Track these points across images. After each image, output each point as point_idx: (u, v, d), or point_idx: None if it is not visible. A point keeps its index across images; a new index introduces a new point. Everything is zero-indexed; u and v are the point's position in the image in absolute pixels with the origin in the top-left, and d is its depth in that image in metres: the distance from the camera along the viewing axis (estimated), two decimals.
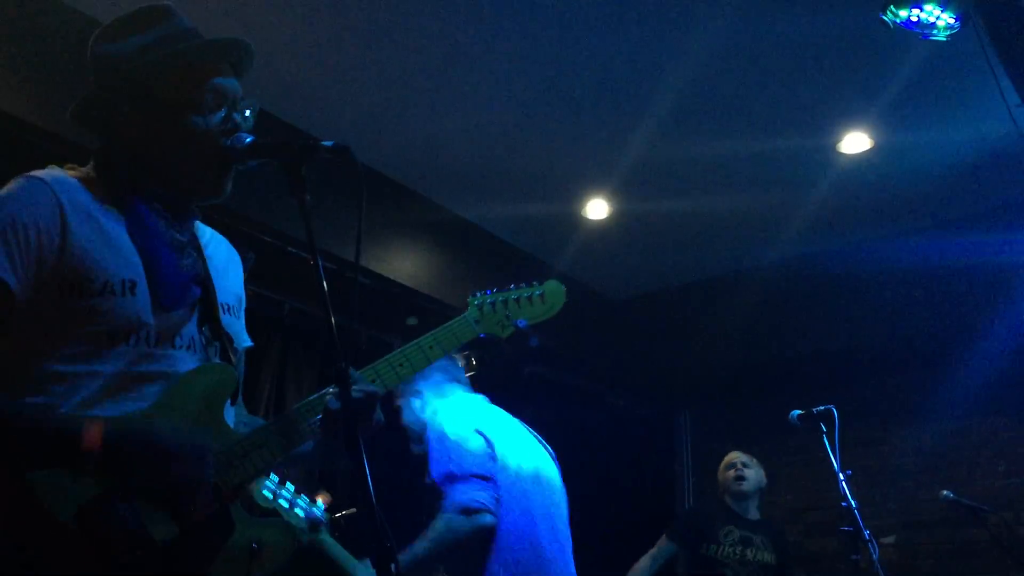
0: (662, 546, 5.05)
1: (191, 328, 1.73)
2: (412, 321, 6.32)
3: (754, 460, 5.18)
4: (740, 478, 5.05)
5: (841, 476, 3.74)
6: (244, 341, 1.95)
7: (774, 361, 7.02)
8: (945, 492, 4.90)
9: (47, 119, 3.85)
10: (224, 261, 1.97)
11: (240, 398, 1.97)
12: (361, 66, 4.52)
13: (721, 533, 4.95)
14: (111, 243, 1.65)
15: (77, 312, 1.58)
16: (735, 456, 5.20)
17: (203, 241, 1.91)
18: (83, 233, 1.63)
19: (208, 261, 1.86)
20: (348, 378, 1.52)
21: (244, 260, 5.14)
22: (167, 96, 1.77)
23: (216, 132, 1.77)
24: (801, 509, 6.93)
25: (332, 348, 1.52)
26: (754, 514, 5.09)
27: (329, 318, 1.52)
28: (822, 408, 3.98)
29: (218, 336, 1.80)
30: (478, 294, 2.07)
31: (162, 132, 1.77)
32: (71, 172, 1.75)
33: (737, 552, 4.86)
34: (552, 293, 2.15)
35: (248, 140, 1.76)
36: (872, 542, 3.72)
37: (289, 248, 4.89)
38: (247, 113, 1.82)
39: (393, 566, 1.41)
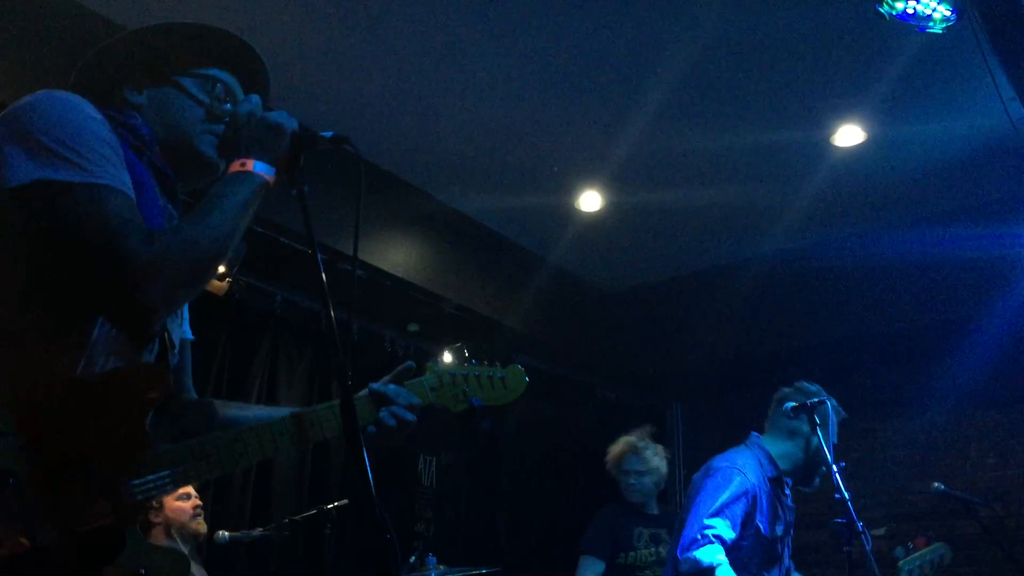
0: (592, 563, 4.85)
1: None
2: (413, 327, 6.33)
3: (648, 454, 4.99)
4: (631, 488, 4.93)
5: (834, 468, 3.73)
6: (185, 333, 1.90)
7: (766, 353, 7.03)
8: (936, 484, 4.87)
9: None
10: None
11: (189, 385, 1.91)
12: (355, 57, 4.49)
13: (634, 537, 4.84)
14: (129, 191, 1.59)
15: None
16: (626, 453, 4.99)
17: None
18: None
19: None
20: (347, 372, 1.48)
21: (236, 250, 5.11)
22: (181, 65, 1.80)
23: (219, 119, 1.80)
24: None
25: (331, 340, 1.49)
26: (654, 509, 5.00)
27: (328, 309, 1.49)
28: (815, 400, 3.96)
29: (159, 333, 1.72)
30: (439, 361, 2.01)
31: (171, 99, 1.78)
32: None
33: (652, 552, 4.76)
34: (514, 379, 2.08)
35: None
36: (865, 534, 3.72)
37: (282, 239, 4.86)
38: None
39: (389, 557, 1.39)
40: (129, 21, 4.13)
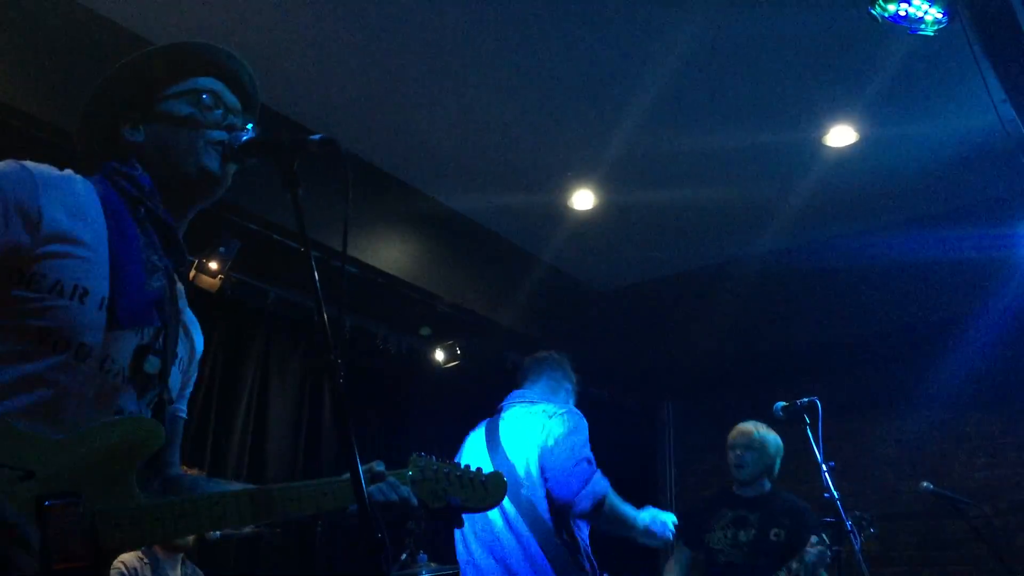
0: (678, 551, 4.68)
1: (130, 358, 1.66)
2: (426, 331, 6.34)
3: (759, 434, 4.66)
4: (738, 466, 4.63)
5: (824, 468, 3.75)
6: (180, 410, 1.90)
7: (758, 353, 7.06)
8: (925, 484, 4.90)
9: (51, 112, 3.84)
10: (191, 320, 1.92)
11: (176, 460, 1.91)
12: (350, 56, 4.49)
13: (715, 519, 4.56)
14: (82, 248, 1.60)
15: (16, 301, 1.53)
16: (735, 437, 4.73)
17: (180, 293, 1.87)
18: (56, 230, 1.58)
19: (179, 312, 1.83)
20: (338, 370, 1.50)
21: (229, 246, 5.14)
22: (163, 89, 1.81)
23: (213, 125, 1.80)
24: None
25: (323, 341, 1.49)
26: (754, 492, 4.60)
27: (321, 313, 1.50)
28: (805, 400, 3.97)
29: (157, 381, 1.72)
30: (423, 455, 2.01)
31: (164, 126, 1.79)
32: (70, 171, 1.72)
33: (728, 535, 4.46)
34: (494, 485, 2.11)
35: (243, 137, 1.78)
36: (854, 533, 3.74)
37: (275, 236, 4.86)
38: (248, 127, 1.84)
39: (380, 555, 1.40)
40: (129, 21, 4.13)
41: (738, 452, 4.65)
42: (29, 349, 1.53)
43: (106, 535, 1.51)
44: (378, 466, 1.85)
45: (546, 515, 3.39)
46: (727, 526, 4.50)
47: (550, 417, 3.56)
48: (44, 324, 1.54)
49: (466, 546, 3.52)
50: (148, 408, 1.72)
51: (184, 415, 1.92)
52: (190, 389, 1.94)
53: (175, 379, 1.80)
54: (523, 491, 3.41)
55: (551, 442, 3.46)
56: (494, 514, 3.43)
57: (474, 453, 3.58)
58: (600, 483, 3.41)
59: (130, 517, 1.55)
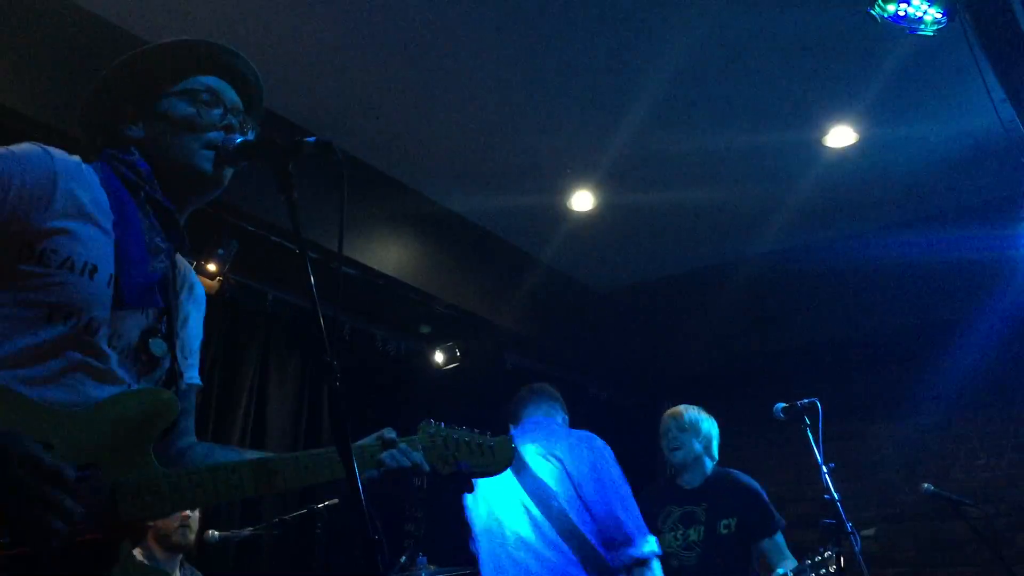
0: None
1: (136, 337, 1.68)
2: (425, 329, 6.33)
3: (689, 415, 4.42)
4: (673, 448, 4.35)
5: (824, 469, 3.74)
6: (193, 378, 1.91)
7: (757, 354, 7.05)
8: (926, 485, 4.89)
9: (48, 113, 3.84)
10: (195, 297, 1.93)
11: (191, 427, 1.92)
12: (349, 57, 4.48)
13: (660, 519, 4.26)
14: (91, 228, 1.63)
15: (26, 276, 1.55)
16: (665, 422, 4.47)
17: (180, 270, 1.89)
18: (68, 210, 1.61)
19: (180, 289, 1.85)
20: (334, 372, 1.50)
21: (227, 248, 5.12)
22: (163, 86, 1.82)
23: (210, 126, 1.80)
24: (783, 501, 6.96)
25: (319, 343, 1.50)
26: (697, 479, 4.32)
27: (317, 314, 1.51)
28: (806, 401, 3.96)
29: (164, 363, 1.73)
30: (432, 422, 2.02)
31: (162, 125, 1.80)
32: (78, 157, 1.75)
33: (679, 537, 4.18)
34: (502, 450, 2.11)
35: (238, 140, 1.79)
36: (854, 534, 3.73)
37: (273, 237, 4.86)
38: (248, 133, 1.84)
39: (379, 557, 1.40)
40: (127, 21, 4.12)
41: (671, 435, 4.38)
42: (39, 322, 1.55)
43: (125, 506, 1.52)
44: (388, 433, 1.88)
45: (584, 531, 3.37)
46: (676, 526, 4.24)
47: (580, 441, 3.57)
48: (55, 299, 1.56)
49: (497, 565, 3.48)
50: (157, 386, 1.74)
51: (199, 382, 1.93)
52: (197, 355, 1.93)
53: (179, 360, 1.81)
54: (555, 503, 3.40)
55: (606, 477, 3.44)
56: (526, 530, 3.43)
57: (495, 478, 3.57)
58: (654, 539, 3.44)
59: (148, 488, 1.56)
